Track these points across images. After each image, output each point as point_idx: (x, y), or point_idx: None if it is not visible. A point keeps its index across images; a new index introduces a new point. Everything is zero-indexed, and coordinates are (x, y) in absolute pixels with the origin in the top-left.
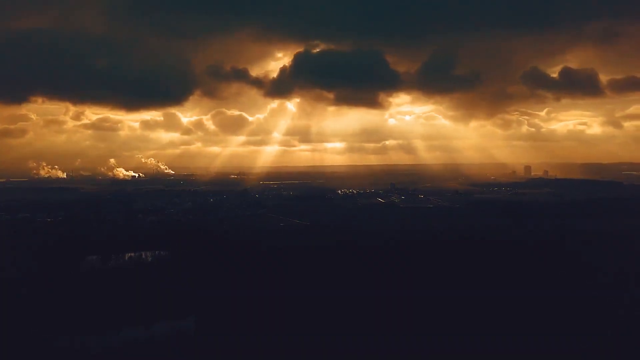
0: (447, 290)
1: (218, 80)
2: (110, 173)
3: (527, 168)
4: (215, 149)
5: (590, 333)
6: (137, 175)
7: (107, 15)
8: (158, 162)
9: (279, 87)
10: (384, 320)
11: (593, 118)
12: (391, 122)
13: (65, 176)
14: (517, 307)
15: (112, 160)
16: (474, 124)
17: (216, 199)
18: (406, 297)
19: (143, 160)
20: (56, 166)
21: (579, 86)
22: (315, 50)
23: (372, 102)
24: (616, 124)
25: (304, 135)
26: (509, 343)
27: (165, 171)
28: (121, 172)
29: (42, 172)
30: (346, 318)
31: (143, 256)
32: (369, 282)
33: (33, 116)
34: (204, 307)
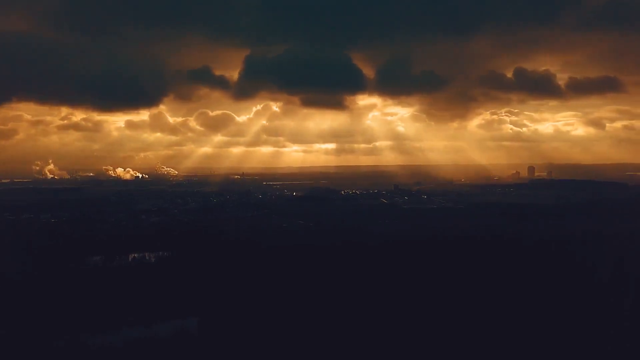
0: (451, 292)
1: (198, 84)
2: (113, 173)
3: (531, 169)
4: (203, 150)
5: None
6: (139, 175)
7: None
8: (160, 163)
9: (252, 90)
10: (386, 323)
11: (591, 119)
12: (382, 123)
13: (68, 177)
14: (519, 309)
15: (111, 161)
16: (466, 124)
17: (219, 199)
18: (410, 299)
19: (137, 158)
20: (56, 166)
21: (571, 88)
22: (294, 53)
23: (356, 104)
24: (622, 125)
25: (292, 136)
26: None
27: (168, 172)
28: (124, 173)
29: (46, 173)
30: (349, 320)
31: (146, 257)
32: (373, 283)
33: (29, 116)
34: (207, 308)
